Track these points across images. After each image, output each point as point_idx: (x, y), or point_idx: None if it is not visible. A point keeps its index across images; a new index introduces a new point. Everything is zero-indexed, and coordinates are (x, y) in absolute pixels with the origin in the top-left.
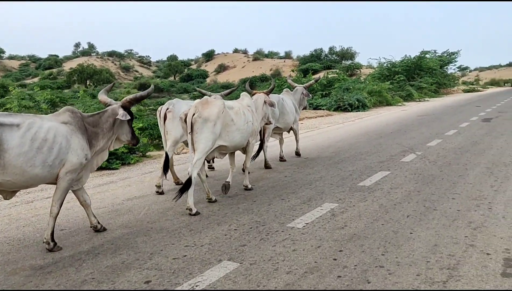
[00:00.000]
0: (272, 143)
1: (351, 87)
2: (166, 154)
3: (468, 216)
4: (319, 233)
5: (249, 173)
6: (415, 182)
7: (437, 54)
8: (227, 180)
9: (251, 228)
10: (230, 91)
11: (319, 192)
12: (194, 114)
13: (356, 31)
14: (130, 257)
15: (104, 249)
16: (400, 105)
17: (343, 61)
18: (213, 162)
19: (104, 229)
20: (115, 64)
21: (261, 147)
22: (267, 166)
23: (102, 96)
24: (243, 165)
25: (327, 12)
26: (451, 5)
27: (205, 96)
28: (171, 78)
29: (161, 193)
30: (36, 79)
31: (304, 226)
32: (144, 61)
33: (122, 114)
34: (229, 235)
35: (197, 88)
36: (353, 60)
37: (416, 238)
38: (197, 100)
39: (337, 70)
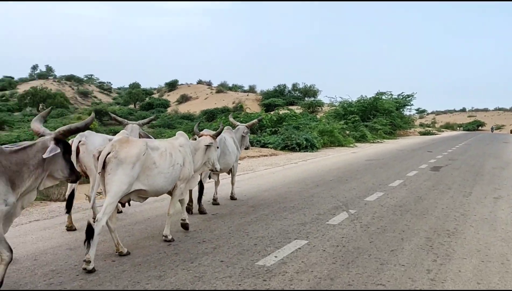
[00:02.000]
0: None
1: (301, 125)
2: (73, 191)
3: None
4: None
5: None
6: (332, 261)
7: (392, 96)
8: (164, 234)
9: None
10: (149, 121)
11: (196, 277)
12: (109, 153)
13: (320, 70)
14: None
15: None
16: (351, 147)
17: (305, 98)
18: (128, 205)
19: None
20: (73, 88)
21: (201, 189)
22: (201, 211)
23: (35, 125)
24: (168, 210)
25: (293, 49)
26: (410, 52)
27: (124, 135)
28: (131, 106)
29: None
30: None
31: None
32: (105, 87)
33: (49, 150)
34: None
35: (112, 114)
36: (315, 97)
37: None
38: (117, 138)
39: (288, 108)
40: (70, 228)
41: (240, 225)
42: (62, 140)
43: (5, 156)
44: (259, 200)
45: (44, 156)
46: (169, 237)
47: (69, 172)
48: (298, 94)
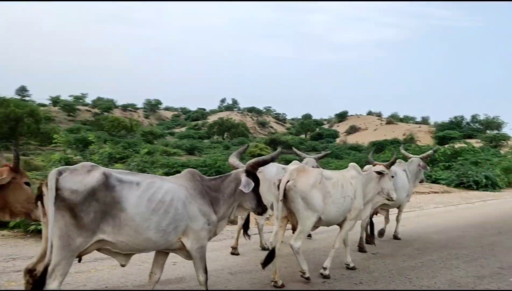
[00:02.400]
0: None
1: (481, 161)
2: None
3: None
4: None
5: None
6: None
7: None
8: (324, 266)
9: None
10: (324, 155)
11: None
12: (288, 181)
13: (506, 99)
14: None
15: None
16: None
17: (487, 131)
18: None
19: None
20: (253, 119)
21: (371, 225)
22: (361, 247)
23: (232, 159)
24: (334, 243)
25: (473, 76)
26: None
27: (301, 164)
28: (302, 135)
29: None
30: (183, 129)
31: None
32: (280, 118)
33: (244, 184)
34: None
35: (293, 148)
36: (499, 130)
37: None
38: (294, 166)
39: (466, 141)
40: (234, 252)
41: (402, 269)
42: (252, 173)
43: (206, 182)
44: (426, 243)
45: (244, 191)
46: (326, 272)
47: (257, 203)
48: (478, 126)
